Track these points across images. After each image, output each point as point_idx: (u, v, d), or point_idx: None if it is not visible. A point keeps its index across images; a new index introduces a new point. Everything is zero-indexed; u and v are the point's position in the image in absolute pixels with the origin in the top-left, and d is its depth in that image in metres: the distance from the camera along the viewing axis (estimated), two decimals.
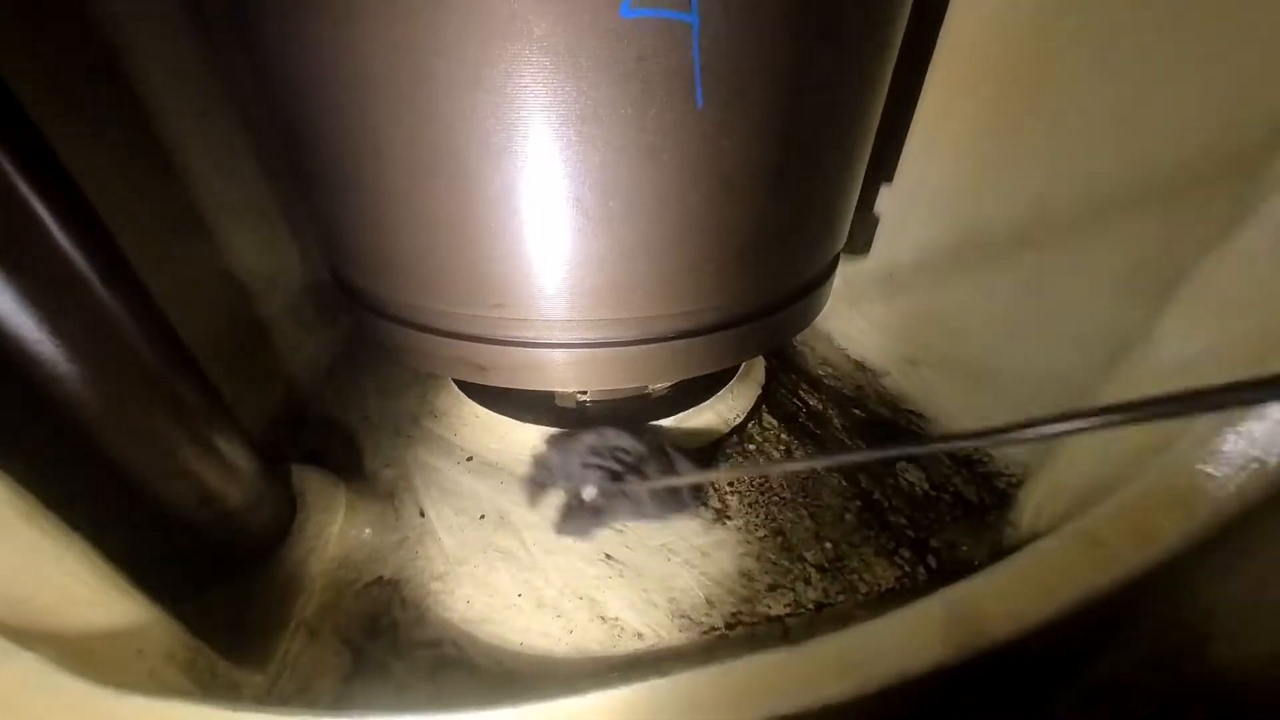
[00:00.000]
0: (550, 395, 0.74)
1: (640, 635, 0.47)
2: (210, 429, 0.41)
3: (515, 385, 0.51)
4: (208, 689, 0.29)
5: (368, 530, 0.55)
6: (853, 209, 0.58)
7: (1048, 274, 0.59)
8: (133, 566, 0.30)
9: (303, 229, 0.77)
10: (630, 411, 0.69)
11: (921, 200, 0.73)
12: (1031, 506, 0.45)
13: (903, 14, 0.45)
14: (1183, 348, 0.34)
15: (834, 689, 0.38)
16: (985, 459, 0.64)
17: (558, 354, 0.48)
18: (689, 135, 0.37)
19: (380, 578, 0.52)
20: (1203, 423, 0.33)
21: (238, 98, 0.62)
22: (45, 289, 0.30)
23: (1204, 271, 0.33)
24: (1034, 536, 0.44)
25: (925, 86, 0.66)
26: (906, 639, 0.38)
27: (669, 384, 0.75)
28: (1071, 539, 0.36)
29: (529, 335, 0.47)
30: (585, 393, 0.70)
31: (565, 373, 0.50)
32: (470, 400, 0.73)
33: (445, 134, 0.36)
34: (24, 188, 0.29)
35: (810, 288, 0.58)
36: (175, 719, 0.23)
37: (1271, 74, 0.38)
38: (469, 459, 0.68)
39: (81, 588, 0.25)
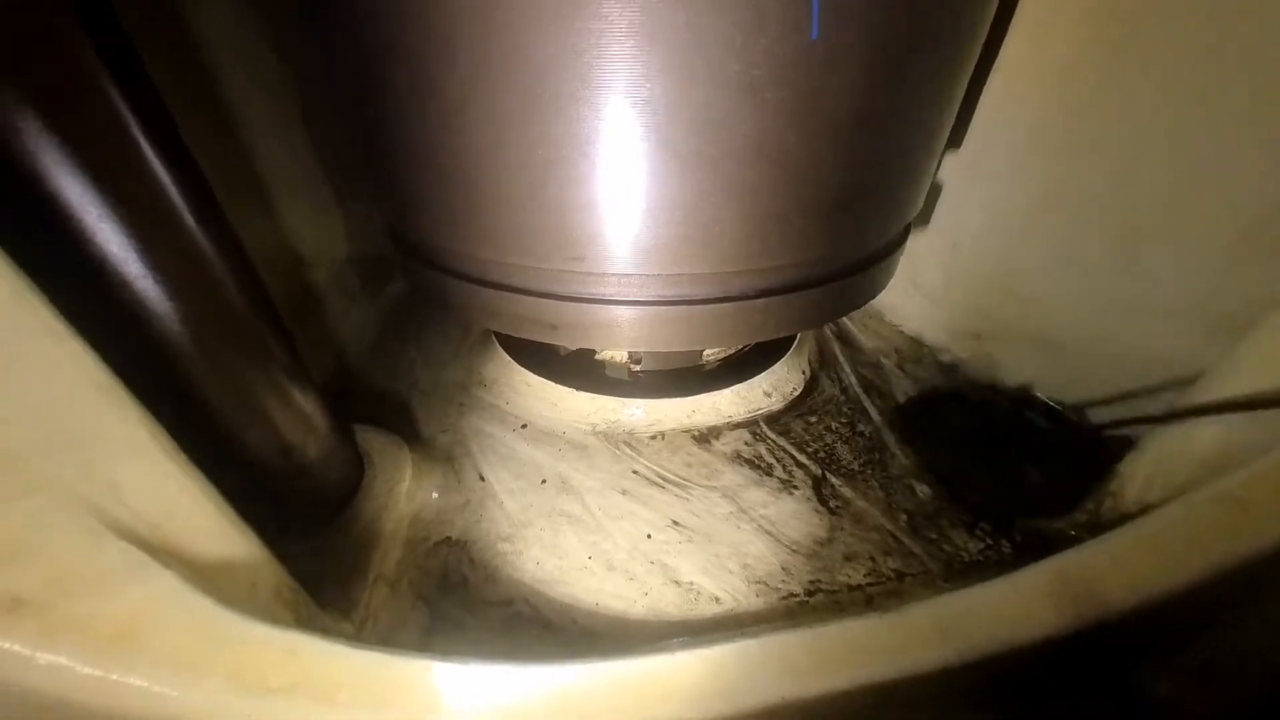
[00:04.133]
0: (601, 364, 0.73)
1: (718, 600, 0.46)
2: (290, 381, 0.40)
3: (584, 344, 0.50)
4: (308, 629, 0.29)
5: (435, 493, 0.55)
6: (934, 170, 0.55)
7: (1140, 242, 0.55)
8: (235, 508, 0.29)
9: (349, 200, 0.77)
10: (683, 383, 0.68)
11: (991, 166, 0.69)
12: (1141, 477, 0.42)
13: None
14: None
15: (933, 655, 0.36)
16: (1072, 421, 0.62)
17: (632, 312, 0.47)
18: (799, 70, 0.35)
19: (449, 538, 0.51)
20: None
21: (292, 56, 0.61)
22: (147, 221, 0.29)
23: None
24: (1143, 508, 0.42)
25: (1006, 42, 0.62)
26: (1012, 607, 0.37)
27: (723, 356, 0.74)
28: (1208, 503, 0.33)
29: (606, 291, 0.46)
30: (639, 362, 0.69)
31: (637, 332, 0.48)
32: (520, 368, 0.72)
33: (536, 65, 0.34)
34: (135, 129, 0.28)
35: (886, 253, 0.56)
36: (295, 649, 0.23)
37: None
38: (523, 426, 0.67)
39: (205, 519, 0.25)
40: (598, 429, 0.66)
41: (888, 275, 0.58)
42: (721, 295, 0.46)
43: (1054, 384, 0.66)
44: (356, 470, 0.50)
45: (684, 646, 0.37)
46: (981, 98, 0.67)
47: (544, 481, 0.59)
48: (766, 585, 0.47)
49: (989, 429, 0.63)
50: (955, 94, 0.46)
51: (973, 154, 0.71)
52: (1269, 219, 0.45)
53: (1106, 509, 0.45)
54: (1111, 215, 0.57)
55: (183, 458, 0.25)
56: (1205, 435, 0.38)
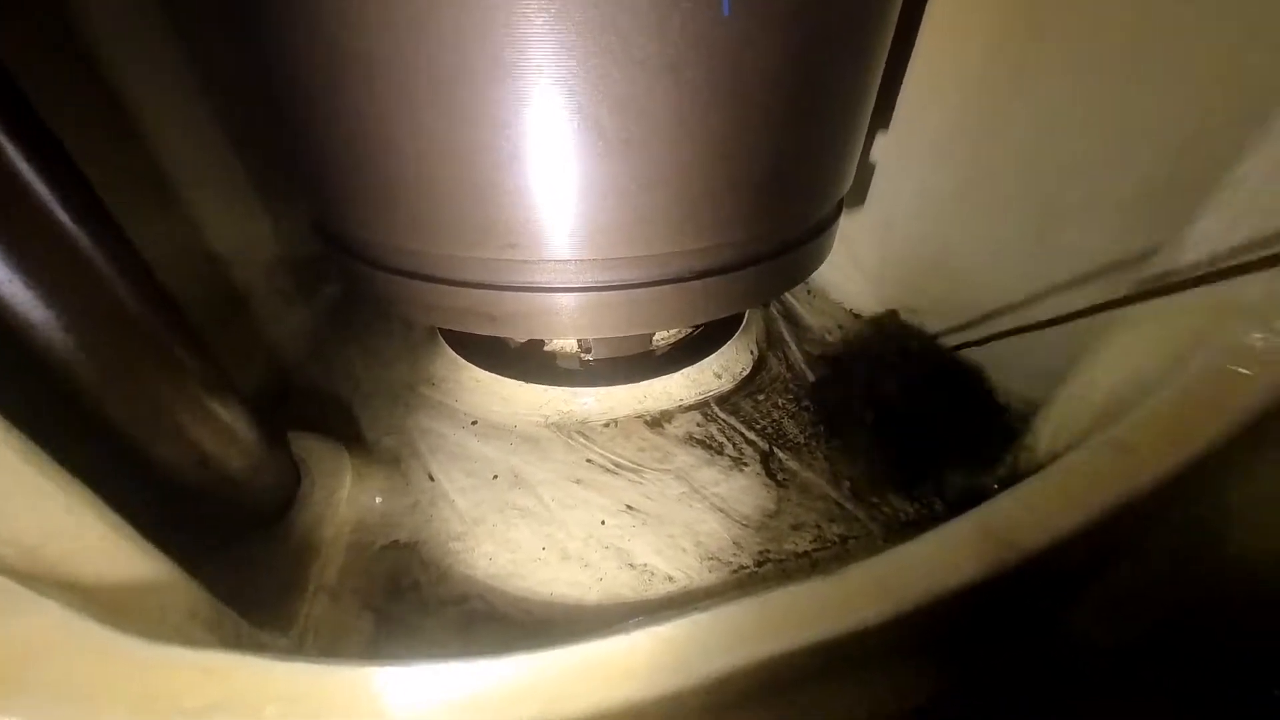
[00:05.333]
0: (552, 355, 0.72)
1: (671, 579, 0.47)
2: (204, 389, 0.38)
3: (526, 335, 0.49)
4: (234, 649, 0.28)
5: (379, 497, 0.53)
6: (861, 146, 0.57)
7: (1054, 216, 0.59)
8: (141, 525, 0.27)
9: (275, 198, 0.72)
10: (634, 369, 0.68)
11: (918, 149, 0.72)
12: (1049, 430, 0.46)
13: None
14: (1217, 246, 0.34)
15: (871, 611, 0.38)
16: (992, 391, 0.66)
17: (572, 299, 0.46)
18: (714, 48, 0.35)
19: (396, 541, 0.50)
20: (1229, 328, 0.34)
21: (202, 52, 0.57)
22: (31, 245, 0.27)
23: (1238, 175, 0.34)
24: (1052, 458, 0.45)
25: (925, 17, 0.65)
26: (940, 559, 0.39)
27: (673, 341, 0.74)
28: (1101, 449, 0.36)
29: (543, 279, 0.45)
30: (589, 350, 0.69)
31: (580, 319, 0.48)
32: (469, 364, 0.70)
33: (451, 49, 0.33)
34: (12, 153, 0.25)
35: (821, 228, 0.57)
36: (212, 668, 0.22)
37: None
38: (473, 423, 0.66)
39: (97, 539, 0.23)
40: (550, 420, 0.65)
41: (823, 252, 0.60)
42: (660, 278, 0.47)
43: (982, 352, 0.71)
44: (291, 479, 0.47)
45: (638, 626, 0.37)
46: (905, 82, 0.69)
47: (496, 477, 0.58)
48: (719, 560, 0.48)
49: (913, 394, 0.66)
50: (872, 73, 0.48)
51: (901, 136, 0.74)
52: (1160, 189, 0.49)
53: (1023, 461, 0.48)
54: (1029, 192, 0.60)
55: (65, 475, 0.23)
56: (1100, 388, 0.42)
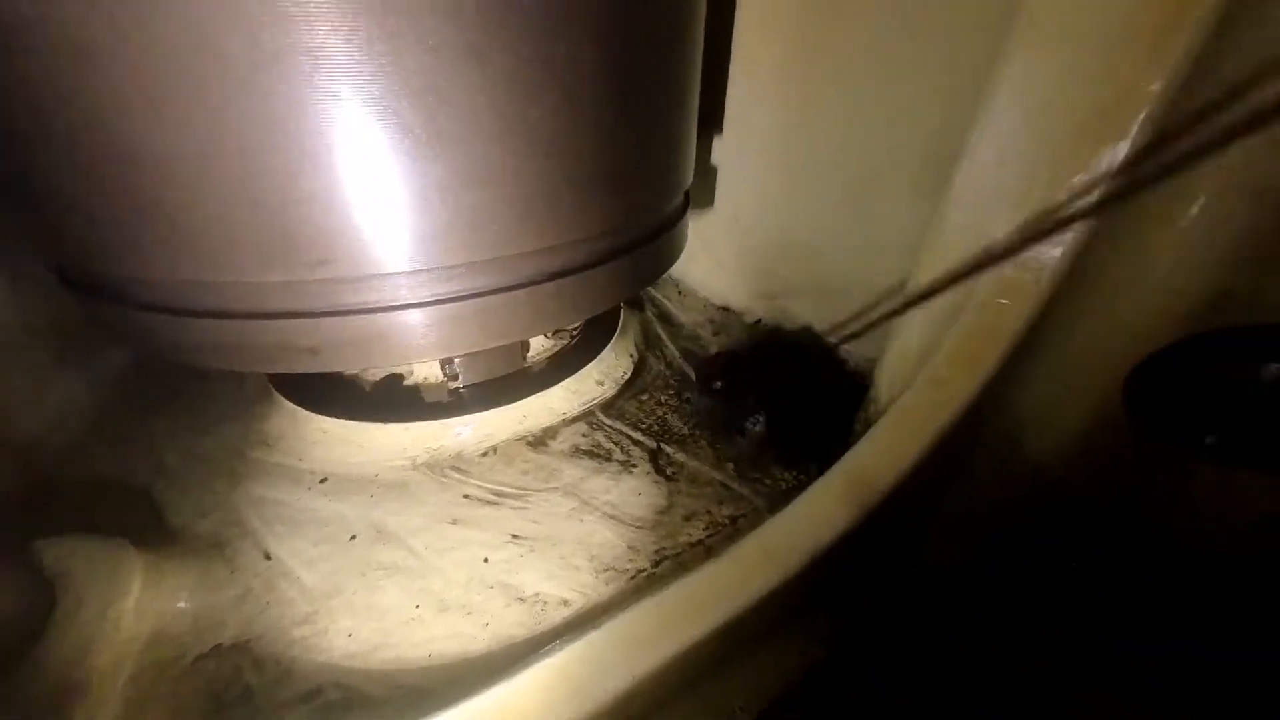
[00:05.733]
0: (415, 389, 0.65)
1: (566, 602, 0.43)
2: None
3: (358, 366, 0.43)
4: None
5: (184, 599, 0.42)
6: (694, 139, 0.59)
7: (866, 194, 0.67)
8: None
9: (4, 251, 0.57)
10: (510, 389, 0.64)
11: (752, 146, 0.79)
12: (885, 382, 0.51)
13: None
14: (964, 223, 0.40)
15: (762, 580, 0.38)
16: (845, 359, 0.72)
17: (410, 316, 0.42)
18: (518, 33, 0.33)
19: (218, 646, 0.39)
20: (988, 279, 0.40)
21: None
22: None
23: (961, 169, 0.40)
24: (890, 404, 0.50)
25: (735, 34, 0.71)
26: (815, 515, 0.41)
27: (550, 354, 0.71)
28: (922, 388, 0.41)
29: (369, 298, 0.40)
30: (456, 377, 0.63)
31: (423, 339, 0.43)
32: (313, 414, 0.60)
33: (197, 31, 0.28)
34: None
35: (669, 223, 0.59)
36: None
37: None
38: (323, 481, 0.56)
39: None
40: (419, 461, 0.58)
41: (675, 248, 0.62)
42: (510, 283, 0.44)
43: (831, 324, 0.78)
44: (33, 603, 0.35)
45: (529, 664, 0.33)
46: (730, 82, 0.76)
47: (354, 537, 0.49)
48: (615, 570, 0.45)
49: (778, 372, 0.71)
50: (688, 63, 0.50)
51: (734, 135, 0.80)
52: (934, 156, 0.57)
53: (871, 414, 0.53)
54: (845, 176, 0.68)
55: None
56: (914, 337, 0.47)
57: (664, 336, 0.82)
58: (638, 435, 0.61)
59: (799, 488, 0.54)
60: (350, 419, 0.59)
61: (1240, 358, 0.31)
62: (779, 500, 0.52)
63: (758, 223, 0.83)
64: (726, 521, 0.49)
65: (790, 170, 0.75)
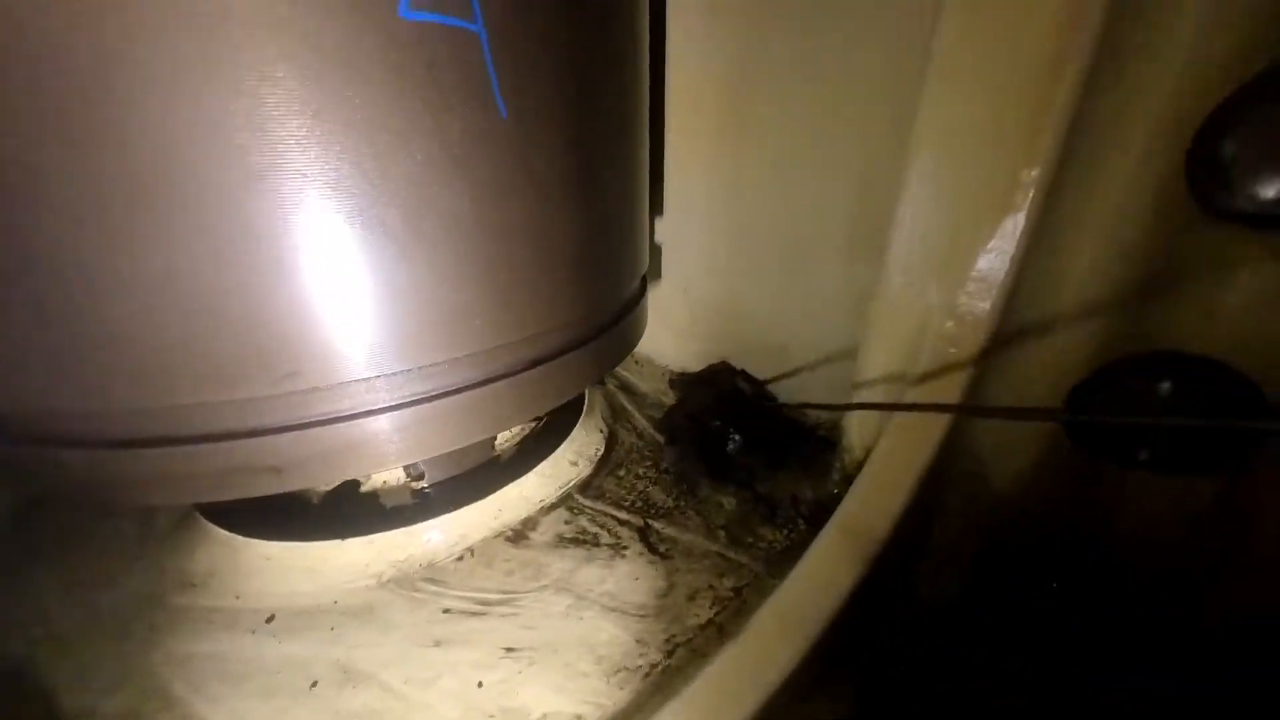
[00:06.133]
0: (372, 495, 0.59)
1: (581, 718, 0.39)
2: None
3: (332, 480, 0.39)
4: None
5: None
6: (648, 227, 0.64)
7: (799, 254, 0.75)
8: None
9: None
10: (480, 483, 0.61)
11: (693, 218, 0.86)
12: (856, 433, 0.54)
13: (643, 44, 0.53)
14: (906, 284, 0.46)
15: (786, 657, 0.37)
16: (805, 419, 0.76)
17: (385, 420, 0.39)
18: (498, 147, 0.36)
19: None
20: (934, 334, 0.45)
21: None
22: None
23: (894, 239, 0.47)
24: (867, 452, 0.53)
25: (668, 115, 0.80)
26: (823, 576, 0.41)
27: (518, 440, 0.69)
28: (895, 434, 0.44)
29: (341, 405, 0.37)
30: (421, 476, 0.59)
31: (400, 443, 0.40)
32: (252, 540, 0.53)
33: (185, 151, 0.27)
34: None
35: (633, 303, 0.62)
36: None
37: (899, 121, 0.57)
38: (268, 620, 0.49)
39: None
40: (385, 578, 0.52)
41: (640, 325, 0.64)
42: (492, 375, 0.43)
43: (785, 385, 0.83)
44: None
45: None
46: (667, 162, 0.83)
47: (315, 684, 0.42)
48: (627, 669, 0.42)
49: (745, 430, 0.73)
50: (640, 158, 0.55)
51: (678, 210, 0.87)
52: (859, 233, 0.66)
53: (848, 462, 0.56)
54: (780, 242, 0.75)
55: None
56: (878, 389, 0.51)
57: (629, 407, 0.82)
58: (623, 514, 0.60)
59: (793, 546, 0.54)
60: (298, 540, 0.53)
61: (1155, 379, 0.37)
62: (776, 562, 0.52)
63: (705, 290, 0.89)
64: (731, 594, 0.48)
65: (730, 238, 0.82)
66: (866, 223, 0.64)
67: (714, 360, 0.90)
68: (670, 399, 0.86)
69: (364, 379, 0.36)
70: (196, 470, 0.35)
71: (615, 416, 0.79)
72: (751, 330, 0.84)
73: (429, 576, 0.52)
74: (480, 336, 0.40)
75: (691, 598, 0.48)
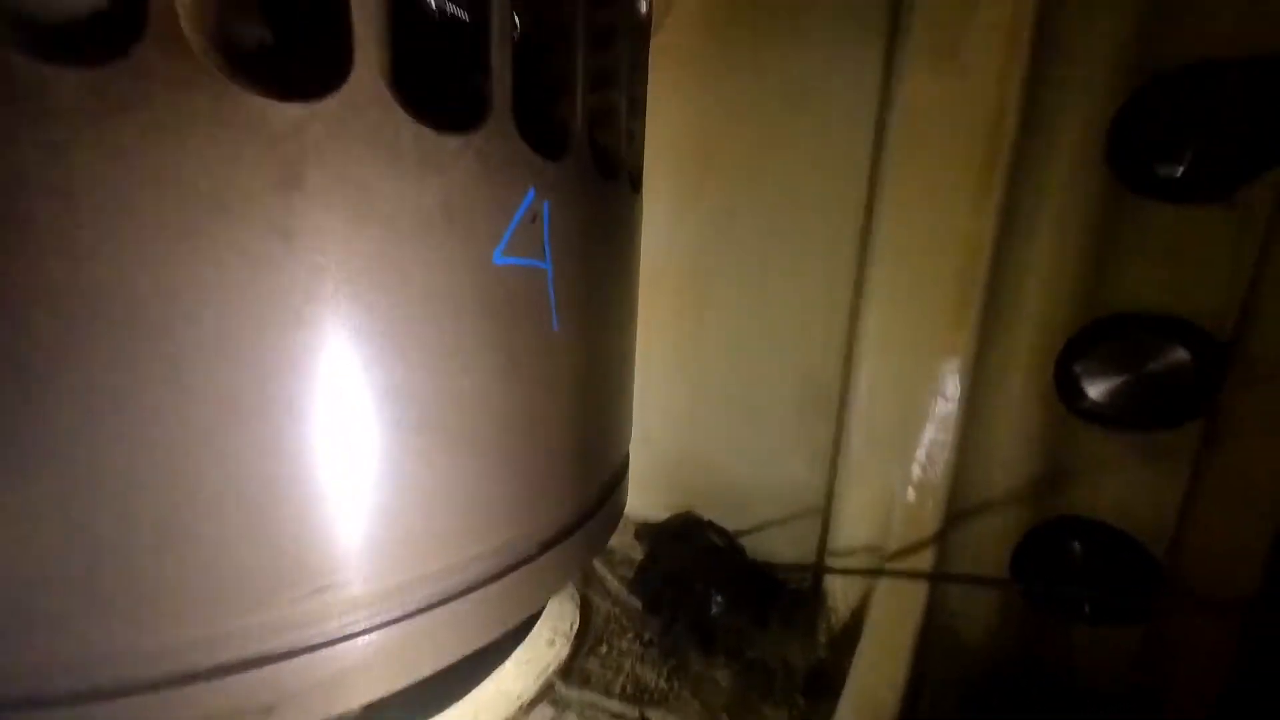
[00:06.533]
0: None
1: None
2: None
3: (323, 714, 0.34)
4: None
5: None
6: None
7: (756, 412, 0.84)
8: None
9: None
10: (449, 685, 0.54)
11: (652, 378, 0.94)
12: (841, 599, 0.58)
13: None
14: (868, 454, 0.55)
15: None
16: (774, 572, 0.79)
17: (396, 632, 0.36)
18: (550, 354, 0.40)
19: None
20: (900, 501, 0.53)
21: None
22: None
23: (852, 408, 0.57)
24: (851, 613, 0.56)
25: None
26: None
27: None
28: (884, 600, 0.48)
29: (359, 617, 0.34)
30: None
31: (411, 656, 0.37)
32: None
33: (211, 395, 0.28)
34: None
35: (625, 469, 0.64)
36: None
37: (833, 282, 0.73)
38: None
39: None
40: None
41: (626, 489, 0.66)
42: (508, 565, 0.42)
43: (747, 536, 0.86)
44: None
45: None
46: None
47: None
48: None
49: (723, 589, 0.74)
50: (633, 345, 0.63)
51: (641, 367, 0.95)
52: (808, 395, 0.77)
53: (834, 624, 0.58)
54: (738, 400, 0.85)
55: None
56: (857, 554, 0.57)
57: (600, 569, 0.79)
58: (615, 705, 0.55)
59: None
60: None
61: (1067, 541, 0.47)
62: None
63: (666, 441, 0.94)
64: None
65: (689, 394, 0.91)
66: (815, 388, 0.76)
67: (678, 509, 0.92)
68: (638, 553, 0.84)
69: (388, 588, 0.34)
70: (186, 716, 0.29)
71: (587, 582, 0.76)
72: (713, 480, 0.89)
73: None
74: (503, 527, 0.40)
75: None
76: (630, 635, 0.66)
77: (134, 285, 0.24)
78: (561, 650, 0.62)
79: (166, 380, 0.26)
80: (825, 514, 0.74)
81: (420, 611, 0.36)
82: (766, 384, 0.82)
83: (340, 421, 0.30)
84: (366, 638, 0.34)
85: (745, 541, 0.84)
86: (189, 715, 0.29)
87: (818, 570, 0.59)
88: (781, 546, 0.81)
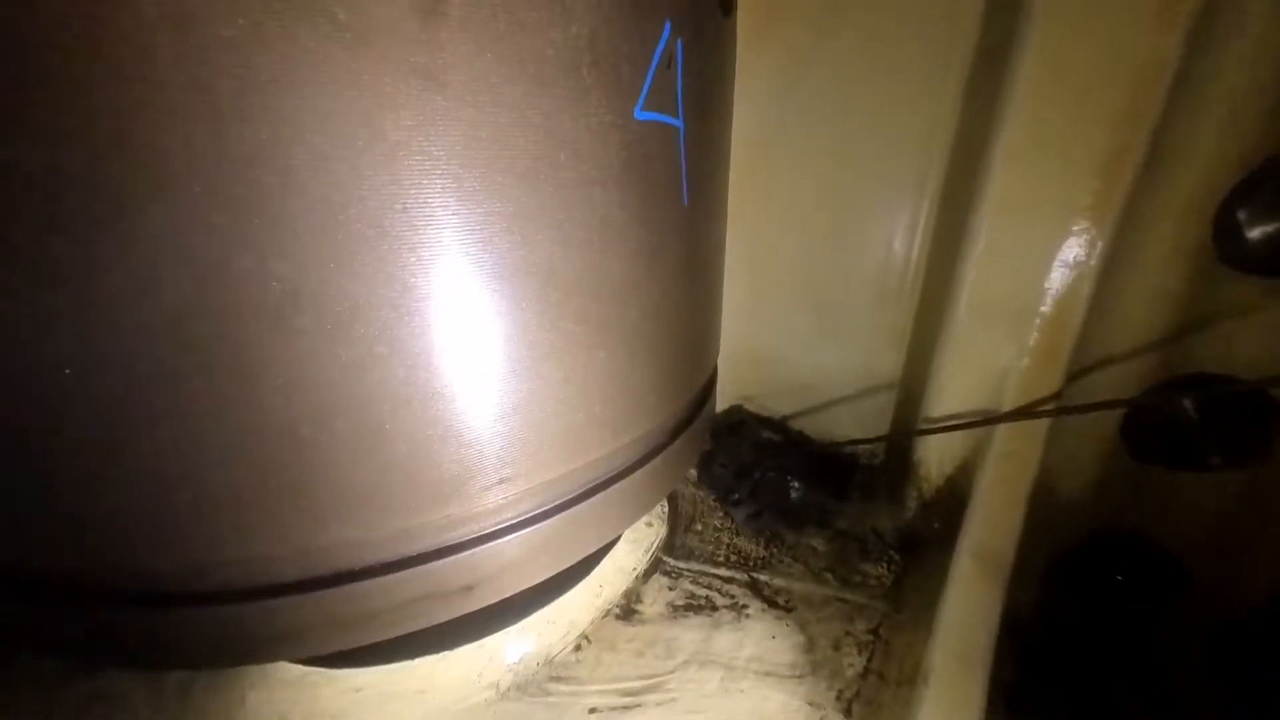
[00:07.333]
0: None
1: None
2: None
3: (514, 590, 0.36)
4: None
5: None
6: None
7: (827, 304, 0.81)
8: None
9: None
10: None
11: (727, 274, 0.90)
12: (935, 462, 0.60)
13: None
14: (977, 325, 0.53)
15: (978, 696, 0.40)
16: (840, 452, 0.81)
17: (561, 520, 0.36)
18: (682, 233, 0.37)
19: None
20: (1016, 364, 0.52)
21: None
22: None
23: (961, 285, 0.54)
24: (946, 478, 0.59)
25: None
26: (976, 607, 0.44)
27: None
28: (999, 463, 0.50)
29: (535, 503, 0.34)
30: None
31: (570, 543, 0.38)
32: (337, 671, 0.45)
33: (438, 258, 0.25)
34: None
35: (715, 375, 0.63)
36: None
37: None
38: None
39: None
40: (504, 686, 0.47)
41: (715, 395, 0.66)
42: (652, 450, 0.42)
43: (809, 419, 0.88)
44: None
45: None
46: None
47: None
48: None
49: (798, 475, 0.76)
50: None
51: None
52: (888, 284, 0.73)
53: (925, 491, 0.61)
54: (808, 292, 0.82)
55: None
56: (950, 416, 0.58)
57: None
58: (724, 571, 0.59)
59: (899, 578, 0.57)
60: (393, 661, 0.46)
61: (1182, 398, 0.47)
62: (892, 597, 0.55)
63: (737, 335, 0.93)
64: (871, 637, 0.50)
65: (751, 288, 0.87)
66: (897, 266, 0.72)
67: (742, 399, 0.93)
68: (706, 442, 0.87)
69: (568, 471, 0.34)
70: (387, 604, 0.30)
71: None
72: (777, 372, 0.89)
73: (554, 675, 0.48)
74: (649, 415, 0.40)
75: (836, 647, 0.49)
76: (719, 514, 0.70)
77: (290, 154, 0.20)
78: (660, 530, 0.66)
79: (345, 273, 0.22)
80: (902, 393, 0.74)
81: (585, 496, 0.37)
82: (839, 277, 0.78)
83: (507, 312, 0.28)
84: (544, 522, 0.34)
85: (809, 424, 0.86)
86: (400, 598, 0.31)
87: (920, 432, 0.60)
88: (851, 430, 0.83)
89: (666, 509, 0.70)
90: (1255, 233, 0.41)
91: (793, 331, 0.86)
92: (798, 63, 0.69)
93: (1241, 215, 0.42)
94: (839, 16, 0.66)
